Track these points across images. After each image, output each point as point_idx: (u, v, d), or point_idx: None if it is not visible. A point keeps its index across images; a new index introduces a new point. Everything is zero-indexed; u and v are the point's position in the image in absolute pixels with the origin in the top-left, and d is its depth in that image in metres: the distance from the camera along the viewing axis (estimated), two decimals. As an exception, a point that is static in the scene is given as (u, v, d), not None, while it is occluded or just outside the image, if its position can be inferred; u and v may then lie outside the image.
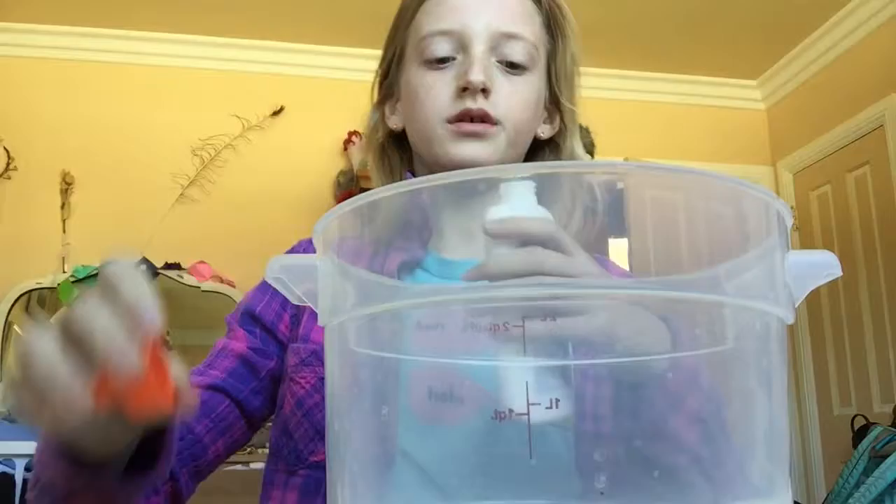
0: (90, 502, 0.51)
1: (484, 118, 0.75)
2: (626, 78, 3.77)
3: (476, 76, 0.74)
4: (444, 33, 0.76)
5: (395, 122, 0.86)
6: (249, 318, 0.84)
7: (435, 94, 0.77)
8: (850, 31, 3.46)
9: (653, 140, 3.69)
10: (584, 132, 3.39)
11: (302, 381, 0.77)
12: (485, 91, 0.74)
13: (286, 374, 0.79)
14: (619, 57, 3.61)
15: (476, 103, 0.75)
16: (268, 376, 0.81)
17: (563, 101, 0.83)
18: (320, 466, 0.74)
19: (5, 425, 2.56)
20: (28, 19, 3.47)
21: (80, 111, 3.45)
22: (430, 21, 0.78)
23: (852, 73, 3.47)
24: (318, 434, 0.75)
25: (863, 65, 3.42)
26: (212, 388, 0.80)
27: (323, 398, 0.75)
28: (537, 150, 0.84)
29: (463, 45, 0.76)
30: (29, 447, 2.48)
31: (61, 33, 3.54)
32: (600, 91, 3.63)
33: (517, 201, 0.43)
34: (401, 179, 0.84)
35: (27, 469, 2.49)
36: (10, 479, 2.46)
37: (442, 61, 0.77)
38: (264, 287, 0.84)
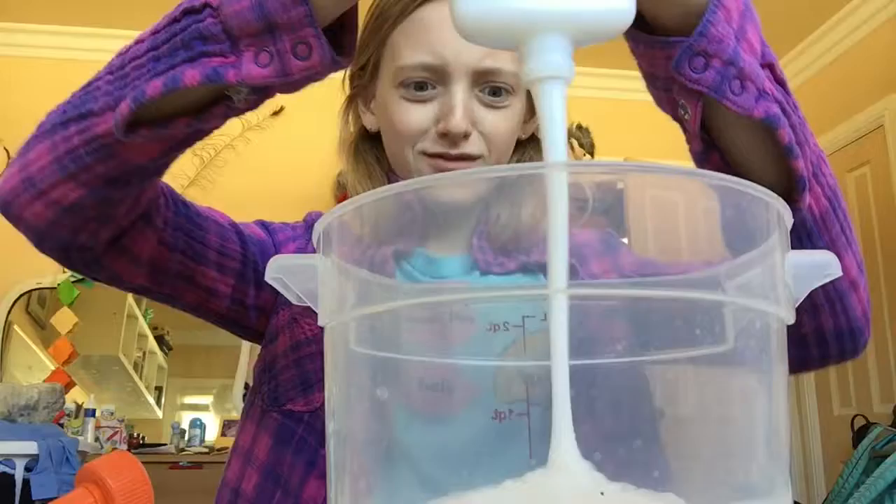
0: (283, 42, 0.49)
1: (463, 157, 0.73)
2: (627, 78, 3.77)
3: (457, 126, 0.71)
4: (423, 67, 0.73)
5: (370, 123, 0.83)
6: (262, 225, 0.83)
7: (412, 127, 0.74)
8: (850, 32, 3.46)
9: (653, 140, 3.69)
10: (584, 132, 3.39)
11: (306, 326, 0.75)
12: (466, 136, 0.72)
13: (290, 312, 0.77)
14: (619, 57, 3.60)
15: (457, 148, 0.72)
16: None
17: None
18: (293, 416, 0.73)
19: (5, 425, 2.56)
20: (28, 19, 3.47)
21: (80, 111, 3.45)
22: (407, 48, 0.74)
23: (852, 73, 3.47)
24: (303, 385, 0.74)
25: (863, 65, 3.42)
26: (234, 227, 0.77)
27: (320, 350, 0.74)
28: (517, 148, 0.81)
29: (442, 79, 0.73)
30: (29, 447, 2.48)
31: (61, 33, 3.54)
32: (601, 91, 3.63)
33: None
34: (382, 183, 0.81)
35: (27, 469, 2.48)
36: (10, 479, 2.46)
37: (420, 88, 0.74)
38: (280, 224, 0.84)
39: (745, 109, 0.49)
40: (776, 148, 0.51)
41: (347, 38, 0.53)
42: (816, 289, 0.58)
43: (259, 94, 0.52)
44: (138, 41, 0.54)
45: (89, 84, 0.57)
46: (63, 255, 0.65)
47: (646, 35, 0.50)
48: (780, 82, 0.52)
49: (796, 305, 0.42)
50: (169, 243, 0.69)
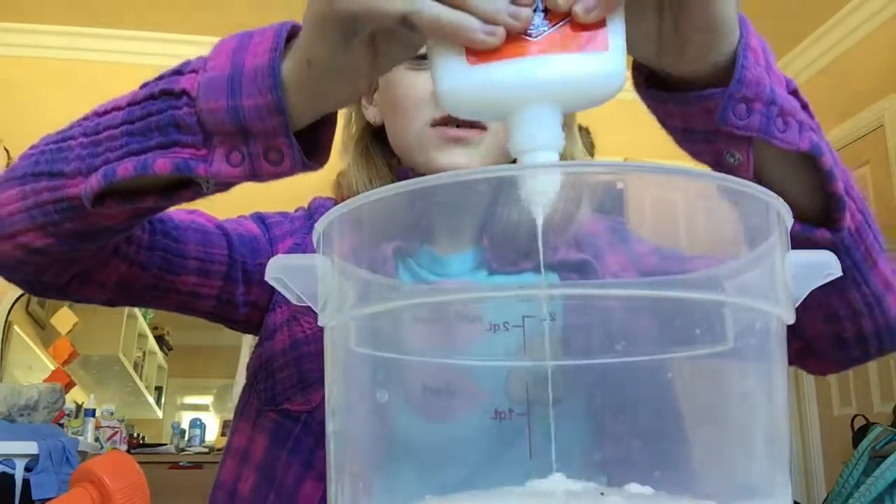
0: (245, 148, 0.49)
1: (471, 124, 0.72)
2: (627, 78, 3.76)
3: None
4: None
5: (373, 116, 0.82)
6: (259, 218, 0.83)
7: (416, 95, 0.73)
8: (850, 32, 3.46)
9: (653, 140, 3.68)
10: (584, 132, 3.39)
11: (306, 324, 0.75)
12: None
13: (290, 310, 0.76)
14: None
15: None
16: (259, 272, 0.76)
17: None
18: (291, 416, 0.73)
19: (5, 425, 2.56)
20: (28, 19, 3.47)
21: (80, 111, 3.44)
22: None
23: (852, 73, 3.47)
24: (301, 384, 0.73)
25: (863, 65, 3.42)
26: (220, 229, 0.76)
27: (319, 349, 0.72)
28: None
29: None
30: (29, 447, 2.48)
31: (61, 33, 3.54)
32: (600, 91, 3.62)
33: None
34: (395, 179, 0.81)
35: (27, 469, 2.48)
36: (10, 479, 2.46)
37: (423, 58, 0.73)
38: (279, 217, 0.84)
39: (792, 145, 0.49)
40: (816, 174, 0.52)
41: (325, 135, 0.53)
42: (855, 295, 0.60)
43: (226, 186, 0.53)
44: (115, 107, 0.54)
45: (63, 138, 0.57)
46: (28, 287, 0.66)
47: (675, 94, 0.50)
48: (805, 106, 0.52)
49: (797, 305, 0.42)
50: (143, 263, 0.68)
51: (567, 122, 0.81)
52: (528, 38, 0.40)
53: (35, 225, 0.58)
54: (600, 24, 0.40)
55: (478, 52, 0.40)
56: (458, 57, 0.41)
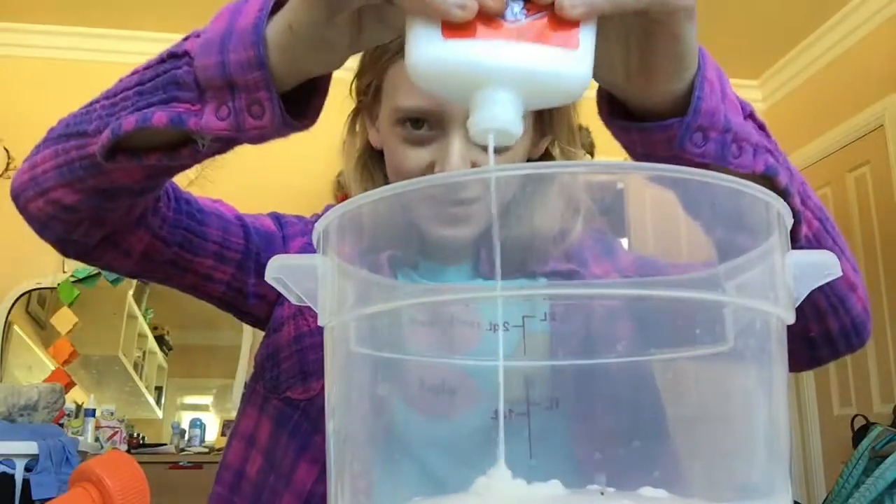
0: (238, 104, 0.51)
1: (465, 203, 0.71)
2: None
3: (455, 169, 0.69)
4: (419, 112, 0.71)
5: (375, 139, 0.82)
6: (274, 217, 0.86)
7: (410, 170, 0.73)
8: (851, 31, 3.46)
9: (653, 140, 3.67)
10: (585, 132, 3.39)
11: (311, 318, 0.78)
12: None
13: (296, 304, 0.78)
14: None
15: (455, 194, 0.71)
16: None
17: (559, 142, 0.79)
18: (292, 403, 0.77)
19: (5, 425, 2.56)
20: (28, 19, 3.47)
21: (80, 111, 3.46)
22: (403, 89, 0.72)
23: (852, 73, 3.47)
24: (302, 374, 0.77)
25: (863, 65, 3.42)
26: (239, 220, 0.80)
27: (320, 342, 0.71)
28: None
29: (440, 123, 0.71)
30: (29, 447, 2.48)
31: (61, 33, 3.54)
32: (600, 91, 3.62)
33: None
34: None
35: (27, 469, 2.48)
36: (10, 479, 2.46)
37: (417, 129, 0.72)
38: (294, 218, 0.87)
39: (748, 168, 0.51)
40: (773, 189, 0.53)
41: (316, 101, 0.56)
42: (819, 296, 0.61)
43: (221, 142, 0.55)
44: (133, 72, 0.59)
45: (91, 103, 0.62)
46: (59, 246, 0.71)
47: (637, 123, 0.52)
48: (761, 127, 0.54)
49: (797, 305, 0.42)
50: (165, 239, 0.72)
51: (567, 122, 0.81)
52: (504, 22, 0.41)
53: (64, 181, 0.63)
54: (575, 23, 0.42)
55: (452, 28, 0.41)
56: (434, 30, 0.42)
